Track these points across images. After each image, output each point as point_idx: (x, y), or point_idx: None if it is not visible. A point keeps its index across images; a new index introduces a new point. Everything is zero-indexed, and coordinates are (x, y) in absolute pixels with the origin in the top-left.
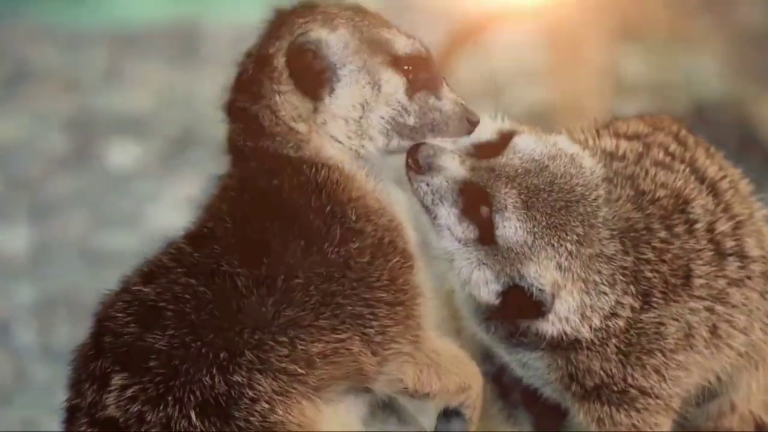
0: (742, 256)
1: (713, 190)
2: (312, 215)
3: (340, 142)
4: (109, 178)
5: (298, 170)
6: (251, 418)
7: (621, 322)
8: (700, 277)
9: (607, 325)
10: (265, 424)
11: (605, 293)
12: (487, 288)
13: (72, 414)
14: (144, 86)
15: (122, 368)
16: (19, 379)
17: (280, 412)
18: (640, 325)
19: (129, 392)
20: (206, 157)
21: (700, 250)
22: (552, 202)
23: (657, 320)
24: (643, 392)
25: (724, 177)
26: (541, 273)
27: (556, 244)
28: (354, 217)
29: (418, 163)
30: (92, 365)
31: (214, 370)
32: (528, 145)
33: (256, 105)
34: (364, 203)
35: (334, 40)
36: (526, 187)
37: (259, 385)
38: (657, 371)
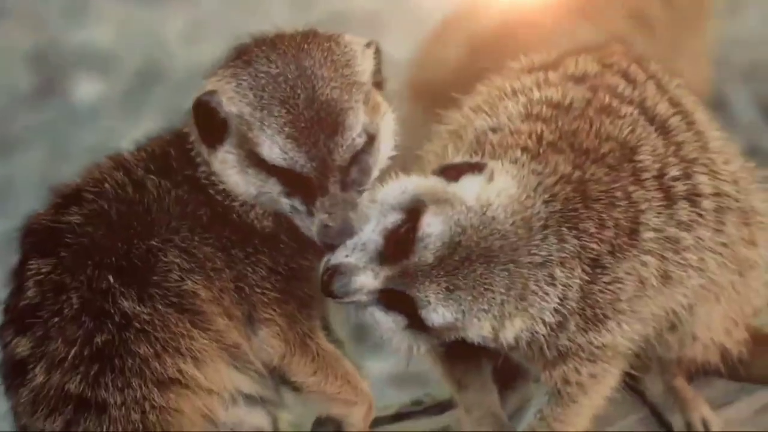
0: (694, 195)
1: (663, 129)
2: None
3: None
4: (72, 114)
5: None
6: (166, 284)
7: (573, 303)
8: (650, 229)
9: (561, 312)
10: (180, 293)
11: (547, 293)
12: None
13: (3, 337)
14: (108, 22)
15: (39, 255)
16: None
17: (190, 284)
18: (594, 296)
19: (45, 269)
20: (169, 93)
21: (649, 200)
22: (472, 272)
23: (612, 280)
24: (603, 347)
25: (677, 113)
26: (479, 332)
27: (486, 306)
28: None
29: (334, 294)
30: (11, 286)
31: (130, 235)
32: (435, 229)
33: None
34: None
35: (231, 109)
36: (445, 273)
37: (172, 255)
38: (613, 330)
